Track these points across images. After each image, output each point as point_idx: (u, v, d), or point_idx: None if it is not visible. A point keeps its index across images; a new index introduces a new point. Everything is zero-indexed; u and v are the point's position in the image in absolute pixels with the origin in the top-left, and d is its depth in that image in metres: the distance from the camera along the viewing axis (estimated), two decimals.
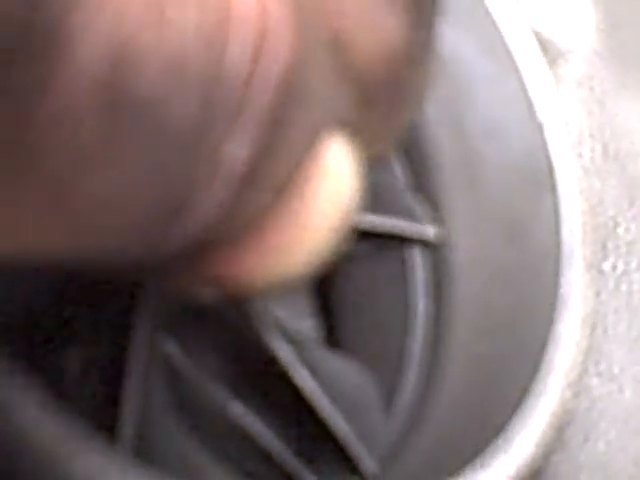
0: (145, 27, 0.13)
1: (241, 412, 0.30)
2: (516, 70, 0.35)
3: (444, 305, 0.34)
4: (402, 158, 0.36)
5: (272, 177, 0.17)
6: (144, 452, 0.26)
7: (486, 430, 0.30)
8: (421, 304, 0.34)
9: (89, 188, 0.14)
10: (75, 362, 0.27)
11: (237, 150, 0.15)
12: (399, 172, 0.36)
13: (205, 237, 0.17)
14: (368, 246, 0.34)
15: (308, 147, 0.17)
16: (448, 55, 0.35)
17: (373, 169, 0.34)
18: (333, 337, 0.35)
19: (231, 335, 0.30)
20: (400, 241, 0.34)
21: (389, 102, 0.19)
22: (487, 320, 0.33)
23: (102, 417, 0.26)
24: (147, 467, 0.23)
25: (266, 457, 0.30)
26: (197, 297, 0.19)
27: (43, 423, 0.21)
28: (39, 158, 0.13)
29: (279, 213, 0.18)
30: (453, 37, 0.35)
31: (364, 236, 0.33)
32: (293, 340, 0.30)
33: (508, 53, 0.35)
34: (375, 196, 0.33)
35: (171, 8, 0.13)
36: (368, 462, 0.30)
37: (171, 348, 0.29)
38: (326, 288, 0.35)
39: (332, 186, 0.18)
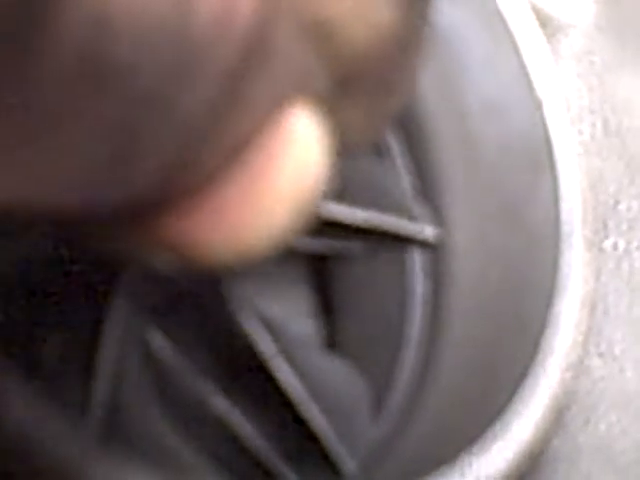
0: None
1: (224, 407, 0.29)
2: (514, 46, 0.34)
3: (442, 291, 0.34)
4: (400, 138, 0.36)
5: (229, 135, 0.16)
6: (116, 434, 0.26)
7: (485, 414, 0.29)
8: (419, 298, 0.34)
9: (60, 139, 0.14)
10: (54, 351, 0.27)
11: (196, 102, 0.15)
12: (397, 154, 0.35)
13: (159, 189, 0.16)
14: (366, 244, 0.34)
15: (270, 110, 0.17)
16: (445, 32, 0.34)
17: (368, 151, 0.34)
18: (332, 335, 0.35)
19: (213, 327, 0.29)
20: (399, 240, 0.34)
21: (374, 89, 0.19)
22: (485, 302, 0.33)
23: (75, 407, 0.26)
24: (115, 455, 0.22)
25: (246, 451, 0.29)
26: (155, 264, 0.18)
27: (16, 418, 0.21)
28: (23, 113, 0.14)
29: (235, 179, 0.17)
30: (450, 13, 0.34)
31: (362, 234, 0.33)
32: (277, 335, 0.29)
33: (506, 29, 0.34)
34: (374, 193, 0.33)
35: None
36: (347, 461, 0.30)
37: (152, 335, 0.29)
38: (324, 286, 0.35)
39: (295, 157, 0.17)
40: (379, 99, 0.19)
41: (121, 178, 0.15)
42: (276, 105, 0.17)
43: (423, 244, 0.34)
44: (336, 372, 0.31)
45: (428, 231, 0.34)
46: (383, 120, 0.20)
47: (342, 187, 0.31)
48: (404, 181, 0.35)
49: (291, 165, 0.17)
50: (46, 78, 0.13)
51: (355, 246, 0.34)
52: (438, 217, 0.34)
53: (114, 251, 0.19)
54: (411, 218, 0.34)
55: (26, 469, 0.21)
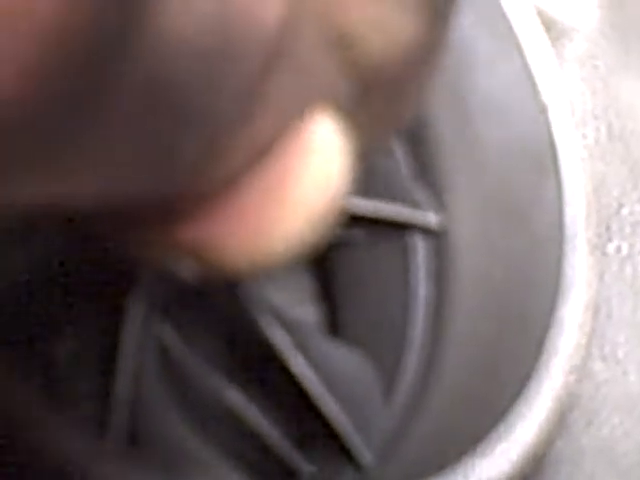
0: (182, 11, 0.13)
1: (238, 400, 0.29)
2: (519, 49, 0.34)
3: (445, 289, 0.34)
4: (404, 141, 0.36)
5: (253, 139, 0.16)
6: (137, 440, 0.26)
7: (488, 415, 0.29)
8: (422, 289, 0.34)
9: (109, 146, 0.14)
10: (66, 350, 0.27)
11: (226, 105, 0.15)
12: (401, 156, 0.36)
13: (180, 191, 0.16)
14: (369, 232, 0.34)
15: (293, 116, 0.17)
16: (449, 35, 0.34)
17: (375, 156, 0.34)
18: (334, 323, 0.35)
19: (227, 322, 0.29)
20: (401, 228, 0.34)
21: (391, 97, 0.18)
22: (489, 304, 0.33)
23: (93, 406, 0.26)
24: (136, 458, 0.22)
25: (262, 445, 0.29)
26: (176, 271, 0.18)
27: (33, 419, 0.21)
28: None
29: (255, 186, 0.17)
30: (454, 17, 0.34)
31: (365, 222, 0.33)
32: (290, 327, 0.29)
33: (511, 32, 0.34)
34: (376, 181, 0.33)
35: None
36: (364, 452, 0.30)
37: (167, 333, 0.29)
38: (327, 274, 0.35)
39: (318, 165, 0.17)
40: (394, 106, 0.19)
41: (154, 180, 0.16)
42: (298, 112, 0.17)
43: (425, 231, 0.34)
44: (348, 361, 0.31)
45: (430, 217, 0.34)
46: (395, 126, 0.20)
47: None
48: (405, 168, 0.35)
49: (311, 174, 0.17)
50: (120, 96, 0.13)
51: (357, 234, 0.34)
52: (440, 203, 0.34)
53: (133, 252, 0.19)
54: (413, 205, 0.34)
55: (44, 473, 0.21)
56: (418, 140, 0.35)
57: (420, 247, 0.34)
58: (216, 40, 0.14)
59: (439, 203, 0.34)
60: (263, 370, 0.29)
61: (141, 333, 0.27)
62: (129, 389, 0.26)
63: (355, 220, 0.33)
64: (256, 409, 0.29)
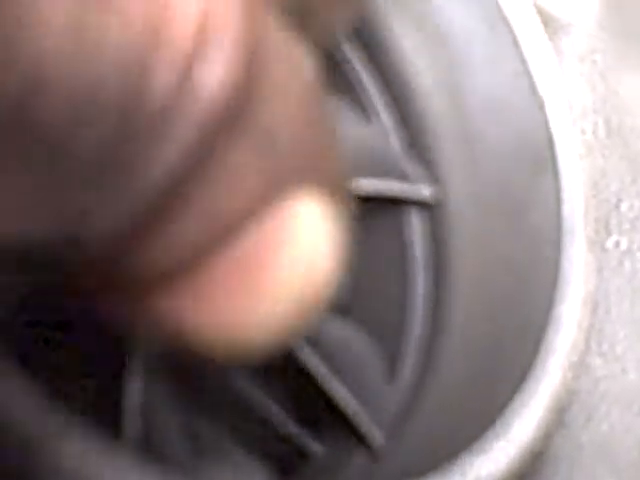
0: (60, 48, 0.12)
1: (245, 384, 0.29)
2: (516, 44, 0.34)
3: (443, 283, 0.33)
4: (401, 132, 0.35)
5: (211, 214, 0.15)
6: (149, 443, 0.26)
7: (486, 413, 0.29)
8: (420, 275, 0.34)
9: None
10: (75, 355, 0.27)
11: (155, 179, 0.14)
12: (396, 144, 0.35)
13: (115, 271, 0.15)
14: (363, 211, 0.34)
15: (259, 192, 0.15)
16: (446, 30, 0.34)
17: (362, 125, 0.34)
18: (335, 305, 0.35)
19: None
20: (396, 204, 0.34)
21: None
22: (487, 300, 0.32)
23: (104, 410, 0.26)
24: (149, 464, 0.22)
25: (272, 429, 0.29)
26: (149, 340, 0.18)
27: (42, 424, 0.21)
28: None
29: (230, 264, 0.15)
30: (451, 11, 0.34)
31: (359, 200, 0.33)
32: None
33: (508, 27, 0.34)
34: (368, 160, 0.33)
35: (90, 29, 0.12)
36: (375, 433, 0.30)
37: None
38: None
39: (301, 247, 0.16)
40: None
41: (76, 240, 0.15)
42: (270, 185, 0.15)
43: (420, 204, 0.34)
44: (352, 342, 0.31)
45: (425, 191, 0.34)
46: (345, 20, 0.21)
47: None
48: (396, 143, 0.35)
49: (295, 254, 0.16)
50: None
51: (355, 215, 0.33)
52: (433, 176, 0.34)
53: (109, 320, 0.18)
54: (406, 179, 0.34)
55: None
56: (416, 132, 0.35)
57: (416, 223, 0.34)
58: (122, 102, 0.13)
59: (433, 178, 0.34)
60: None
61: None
62: (140, 396, 0.26)
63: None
64: (263, 395, 0.29)
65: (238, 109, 0.14)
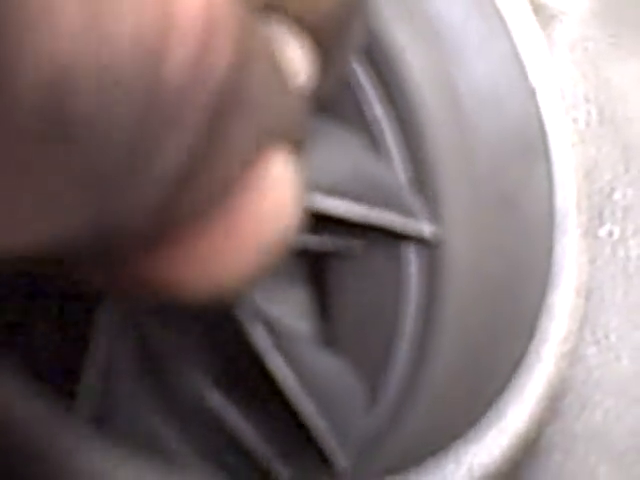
0: (80, 43, 0.13)
1: (218, 401, 0.29)
2: (508, 33, 0.34)
3: (436, 276, 0.33)
4: (395, 127, 0.35)
5: (207, 181, 0.16)
6: (106, 422, 0.26)
7: (480, 402, 0.29)
8: (414, 287, 0.34)
9: (34, 188, 0.14)
10: (44, 336, 0.27)
11: (171, 158, 0.15)
12: (392, 146, 0.35)
13: (131, 239, 0.16)
14: (364, 241, 0.34)
15: (247, 157, 0.17)
16: (437, 19, 0.34)
17: (369, 156, 0.34)
18: (331, 332, 0.35)
19: (211, 321, 0.29)
20: (395, 237, 0.34)
21: (337, 44, 0.20)
22: (480, 290, 0.32)
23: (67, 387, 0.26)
24: (105, 436, 0.22)
25: (240, 446, 0.29)
26: (136, 297, 0.19)
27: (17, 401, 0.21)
28: None
29: (211, 222, 0.17)
30: (442, 1, 0.34)
31: (360, 230, 0.33)
32: (272, 329, 0.29)
33: (499, 15, 0.34)
34: (372, 188, 0.33)
35: (107, 20, 0.13)
36: (339, 457, 0.30)
37: (152, 331, 0.29)
38: (323, 284, 0.35)
39: (271, 201, 0.18)
40: (342, 45, 0.20)
41: (98, 222, 0.16)
42: (254, 149, 0.17)
43: (419, 241, 0.34)
44: (330, 367, 0.31)
45: (425, 228, 0.34)
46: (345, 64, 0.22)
47: (340, 182, 0.31)
48: (401, 176, 0.35)
49: (268, 207, 0.18)
50: (5, 137, 0.13)
51: (353, 243, 0.34)
52: (435, 213, 0.34)
53: (89, 287, 0.19)
54: (408, 214, 0.34)
55: (13, 458, 0.21)
56: (409, 125, 0.35)
57: (413, 252, 0.34)
58: (143, 81, 0.14)
59: (433, 201, 0.34)
60: (244, 371, 0.29)
61: (117, 321, 0.27)
62: (98, 377, 0.26)
63: (350, 228, 0.33)
64: (235, 410, 0.29)
65: (238, 88, 0.16)
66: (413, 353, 0.32)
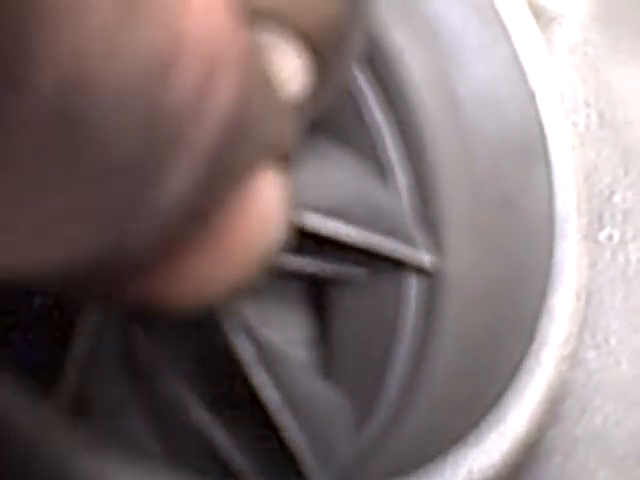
0: (99, 54, 0.13)
1: (200, 413, 0.29)
2: (507, 37, 0.34)
3: (436, 280, 0.33)
4: (394, 129, 0.35)
5: (204, 208, 0.17)
6: (83, 422, 0.26)
7: (479, 406, 0.29)
8: (411, 314, 0.33)
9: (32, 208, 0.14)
10: (24, 333, 0.27)
11: (175, 184, 0.15)
12: (390, 142, 0.35)
13: (129, 262, 0.17)
14: (363, 268, 0.34)
15: (241, 176, 0.17)
16: (437, 22, 0.34)
17: (375, 182, 0.34)
18: (330, 359, 0.35)
19: (198, 334, 0.29)
20: (396, 264, 0.34)
21: (336, 54, 0.20)
22: (480, 293, 0.32)
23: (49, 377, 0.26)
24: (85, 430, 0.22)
25: (221, 461, 0.29)
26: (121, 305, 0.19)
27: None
28: None
29: (203, 240, 0.18)
30: (442, 4, 0.34)
31: (361, 256, 0.33)
32: (259, 345, 0.29)
33: (499, 19, 0.34)
34: (375, 215, 0.33)
35: (124, 35, 0.13)
36: (318, 474, 0.30)
37: (137, 339, 0.29)
38: (323, 311, 0.35)
39: (261, 215, 0.18)
40: (342, 58, 0.21)
41: (101, 240, 0.16)
42: (248, 168, 0.18)
43: (420, 270, 0.34)
44: (317, 385, 0.31)
45: (426, 258, 0.34)
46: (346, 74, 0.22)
47: (342, 206, 0.32)
48: (405, 203, 0.35)
49: (257, 223, 0.18)
50: (20, 138, 0.13)
51: (352, 270, 0.34)
52: (436, 243, 0.34)
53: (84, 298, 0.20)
54: (410, 243, 0.34)
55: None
56: (408, 128, 0.35)
57: (413, 281, 0.34)
58: (148, 100, 0.14)
59: (435, 231, 0.34)
60: (228, 385, 0.29)
61: (99, 325, 0.27)
62: (77, 380, 0.26)
63: (351, 253, 0.33)
64: (217, 423, 0.29)
65: (241, 109, 0.16)
66: (414, 354, 0.32)
